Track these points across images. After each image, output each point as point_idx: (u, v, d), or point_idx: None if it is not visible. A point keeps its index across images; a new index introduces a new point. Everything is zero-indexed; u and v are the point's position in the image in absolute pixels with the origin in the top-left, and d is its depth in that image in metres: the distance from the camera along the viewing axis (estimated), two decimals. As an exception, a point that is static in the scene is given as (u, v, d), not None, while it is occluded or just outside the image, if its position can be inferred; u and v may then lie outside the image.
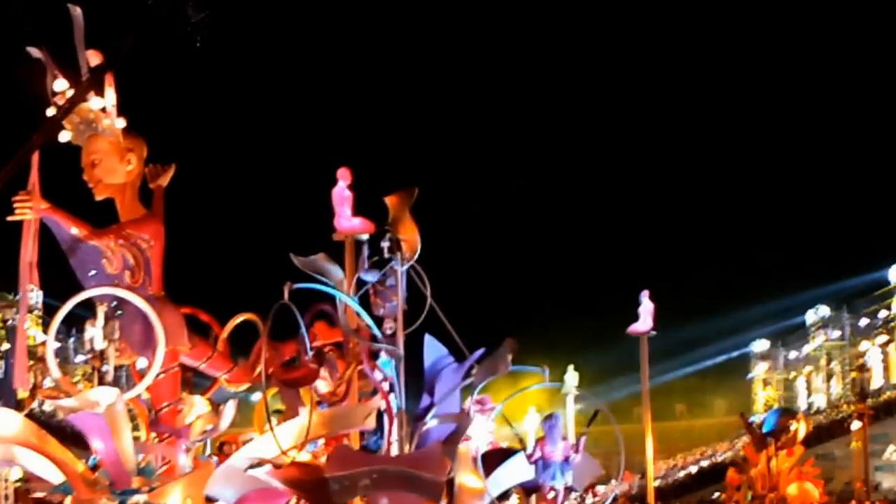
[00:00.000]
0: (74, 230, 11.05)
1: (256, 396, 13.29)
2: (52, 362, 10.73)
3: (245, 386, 12.72)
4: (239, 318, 13.17)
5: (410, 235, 11.67)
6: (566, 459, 11.96)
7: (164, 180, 11.44)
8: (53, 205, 11.04)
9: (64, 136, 11.42)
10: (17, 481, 15.10)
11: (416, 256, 11.69)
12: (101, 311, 10.60)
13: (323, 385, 11.65)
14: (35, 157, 10.77)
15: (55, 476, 10.75)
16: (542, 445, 12.08)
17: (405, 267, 11.27)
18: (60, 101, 11.38)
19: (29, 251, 11.18)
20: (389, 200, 11.45)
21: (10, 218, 10.79)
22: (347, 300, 11.56)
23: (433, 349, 11.58)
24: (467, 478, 11.06)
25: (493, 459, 11.99)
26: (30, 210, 10.96)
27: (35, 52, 10.96)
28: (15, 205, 10.80)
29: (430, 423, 11.36)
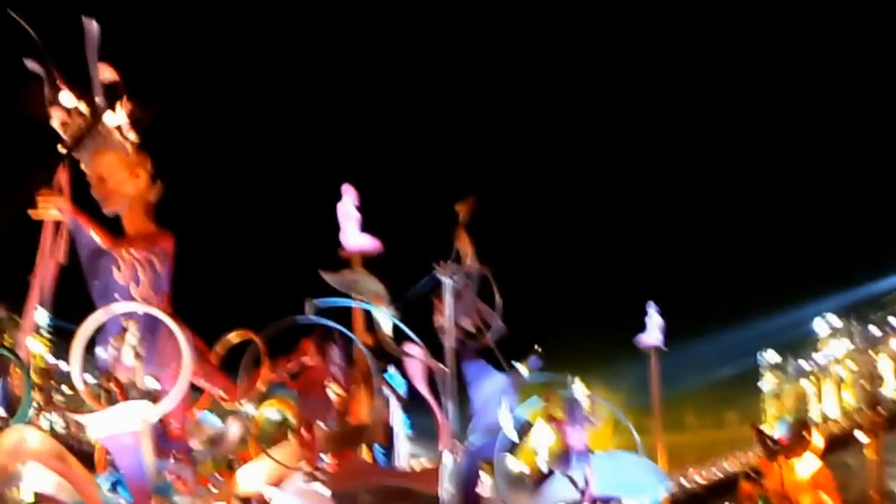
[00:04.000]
0: (96, 236, 10.88)
1: (253, 411, 13.26)
2: (77, 378, 10.63)
3: (244, 403, 12.67)
4: (234, 336, 13.05)
5: (466, 246, 11.57)
6: (586, 451, 11.48)
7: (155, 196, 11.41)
8: (78, 208, 10.89)
9: (64, 149, 11.34)
10: (27, 501, 15.07)
11: (475, 267, 11.59)
12: (133, 326, 10.45)
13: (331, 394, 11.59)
14: (65, 161, 10.62)
15: (66, 496, 10.72)
16: (565, 431, 11.59)
17: (453, 277, 11.16)
18: (61, 115, 11.28)
19: (47, 258, 11.00)
20: (458, 208, 11.34)
21: (32, 214, 10.51)
22: (383, 314, 11.46)
23: (474, 365, 11.45)
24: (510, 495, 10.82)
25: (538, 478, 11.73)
26: (54, 209, 10.73)
27: (33, 65, 10.83)
28: (40, 201, 10.53)
29: (472, 437, 11.21)
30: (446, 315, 11.38)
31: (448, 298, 11.23)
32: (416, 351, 11.73)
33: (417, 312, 12.03)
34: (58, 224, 10.88)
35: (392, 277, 11.72)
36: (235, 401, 12.47)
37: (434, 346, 11.69)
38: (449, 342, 11.49)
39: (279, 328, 11.35)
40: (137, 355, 10.76)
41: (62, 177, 10.72)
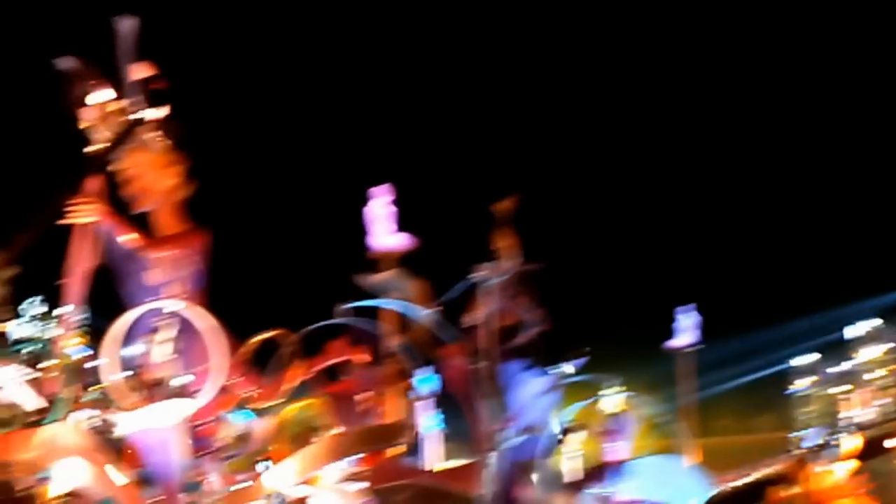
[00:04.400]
0: (129, 239, 10.96)
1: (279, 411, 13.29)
2: (109, 374, 10.74)
3: (272, 403, 12.75)
4: (262, 336, 13.19)
5: (509, 244, 11.61)
6: (620, 464, 11.51)
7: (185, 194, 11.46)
8: (109, 209, 10.98)
9: (95, 147, 11.40)
10: (61, 497, 15.18)
11: (516, 266, 11.61)
12: (167, 323, 10.56)
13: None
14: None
15: (97, 492, 10.81)
16: (608, 443, 11.55)
17: (492, 277, 11.17)
18: (96, 113, 11.37)
19: (80, 259, 11.12)
20: (499, 206, 11.38)
21: (62, 221, 10.66)
22: (423, 315, 11.50)
23: (512, 365, 11.50)
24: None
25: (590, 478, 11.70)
26: (88, 213, 10.83)
27: (65, 62, 10.88)
28: (70, 207, 10.64)
29: (512, 438, 11.24)
30: (485, 315, 11.41)
31: (486, 298, 11.28)
32: (455, 351, 11.79)
33: (456, 313, 12.03)
34: (89, 226, 10.99)
35: (431, 277, 11.72)
36: (264, 400, 12.57)
37: (473, 346, 11.69)
38: (486, 343, 11.54)
39: (315, 329, 11.43)
40: (170, 352, 10.91)
41: (94, 180, 10.80)
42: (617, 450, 11.42)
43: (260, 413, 13.02)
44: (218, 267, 11.58)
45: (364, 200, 12.73)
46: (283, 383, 12.48)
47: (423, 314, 12.04)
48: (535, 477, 10.49)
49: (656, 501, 12.91)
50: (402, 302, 11.74)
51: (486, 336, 11.32)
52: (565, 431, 11.47)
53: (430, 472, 11.19)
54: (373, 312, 12.12)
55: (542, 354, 11.63)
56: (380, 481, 10.25)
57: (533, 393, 11.36)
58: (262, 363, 13.39)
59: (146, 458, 10.65)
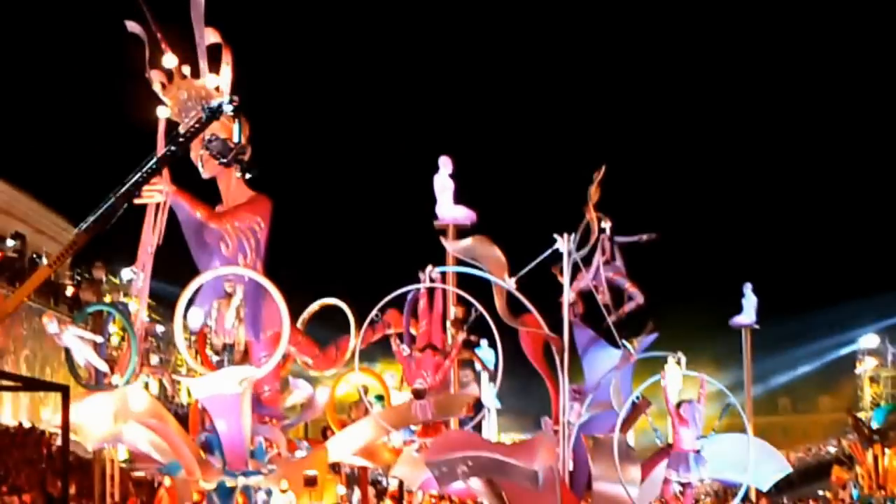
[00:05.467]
0: (199, 213, 11.11)
1: (357, 380, 13.36)
2: (181, 343, 10.81)
3: (332, 371, 12.78)
4: (321, 303, 13.13)
5: (598, 216, 11.49)
6: (698, 451, 11.38)
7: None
8: (180, 188, 11.13)
9: (162, 112, 11.44)
10: (122, 461, 15.38)
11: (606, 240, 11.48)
12: (239, 290, 10.64)
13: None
14: (161, 142, 10.85)
15: (162, 456, 10.89)
16: (674, 433, 11.42)
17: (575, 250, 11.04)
18: (161, 78, 11.34)
19: (152, 235, 11.24)
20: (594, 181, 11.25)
21: (137, 201, 10.85)
22: (504, 284, 11.46)
23: (585, 336, 11.34)
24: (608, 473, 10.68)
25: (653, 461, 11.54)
26: (158, 193, 11.03)
27: (133, 26, 10.93)
28: (143, 187, 10.85)
29: (588, 412, 11.11)
30: (564, 288, 11.28)
31: (567, 270, 11.18)
32: (533, 322, 11.69)
33: (537, 284, 11.93)
34: (159, 203, 11.20)
35: (513, 248, 11.63)
36: (324, 368, 12.64)
37: (552, 319, 11.57)
38: (567, 315, 11.42)
39: (397, 295, 11.38)
40: (239, 319, 10.94)
41: (164, 161, 10.86)
42: (687, 438, 11.28)
43: (317, 381, 13.06)
44: (284, 234, 11.58)
45: (424, 173, 12.61)
46: (340, 351, 12.53)
47: (504, 283, 11.98)
48: (611, 450, 10.41)
49: (730, 481, 12.69)
50: (482, 270, 11.67)
51: (568, 308, 11.20)
52: (634, 407, 11.34)
53: (493, 444, 11.20)
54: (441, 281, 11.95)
55: (621, 329, 11.50)
56: (441, 452, 10.26)
57: (608, 367, 11.24)
58: (321, 330, 13.40)
59: (214, 421, 10.70)
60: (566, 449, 10.94)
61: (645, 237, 11.60)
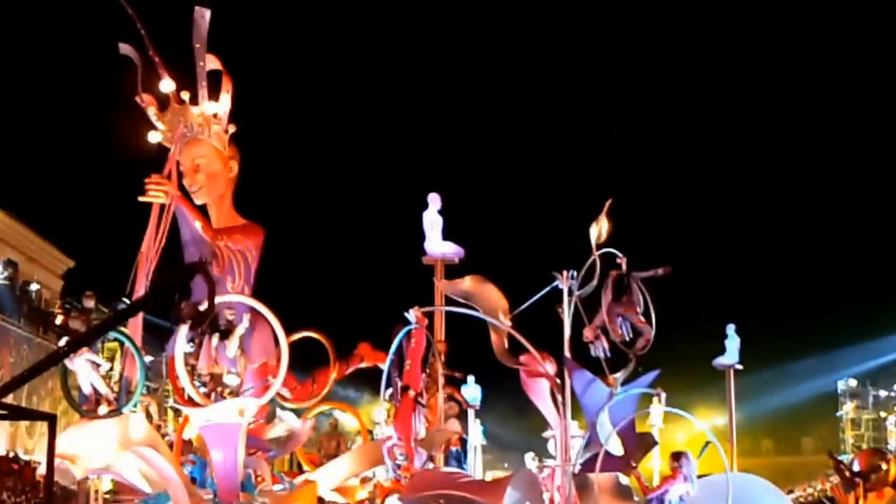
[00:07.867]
0: (198, 224, 10.97)
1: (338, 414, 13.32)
2: (182, 372, 10.66)
3: (308, 403, 12.70)
4: (298, 336, 13.07)
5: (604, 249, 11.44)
6: (681, 498, 11.40)
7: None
8: (184, 196, 11.00)
9: (154, 138, 11.35)
10: (106, 492, 15.32)
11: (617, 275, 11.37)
12: (245, 318, 10.48)
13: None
14: (174, 149, 10.76)
15: (151, 487, 10.84)
16: (668, 483, 11.37)
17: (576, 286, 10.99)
18: (154, 103, 11.26)
19: (152, 241, 11.03)
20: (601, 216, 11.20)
21: (141, 198, 10.67)
22: (499, 324, 11.38)
23: (583, 378, 11.28)
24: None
25: None
26: (164, 194, 10.84)
27: (126, 48, 10.84)
28: (149, 186, 10.68)
29: (586, 452, 11.07)
30: (564, 327, 11.21)
31: (568, 309, 11.15)
32: (532, 360, 11.63)
33: (534, 322, 11.88)
34: (161, 208, 11.05)
35: (510, 285, 11.61)
36: (302, 401, 12.58)
37: (560, 358, 11.42)
38: (566, 352, 11.33)
39: (396, 336, 11.23)
40: (241, 348, 10.73)
41: (170, 164, 10.88)
42: (674, 491, 11.32)
43: (295, 413, 12.98)
44: (269, 266, 11.59)
45: (412, 209, 12.65)
46: (317, 384, 12.53)
47: (500, 322, 11.92)
48: (591, 490, 10.43)
49: None
50: (478, 310, 11.59)
51: (567, 345, 11.15)
52: (639, 444, 11.30)
53: (466, 482, 11.20)
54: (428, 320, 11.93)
55: (637, 366, 11.43)
56: (415, 490, 10.28)
57: (601, 405, 11.27)
58: (298, 363, 13.37)
59: (211, 451, 10.63)
60: (570, 489, 10.92)
61: (661, 270, 11.62)
